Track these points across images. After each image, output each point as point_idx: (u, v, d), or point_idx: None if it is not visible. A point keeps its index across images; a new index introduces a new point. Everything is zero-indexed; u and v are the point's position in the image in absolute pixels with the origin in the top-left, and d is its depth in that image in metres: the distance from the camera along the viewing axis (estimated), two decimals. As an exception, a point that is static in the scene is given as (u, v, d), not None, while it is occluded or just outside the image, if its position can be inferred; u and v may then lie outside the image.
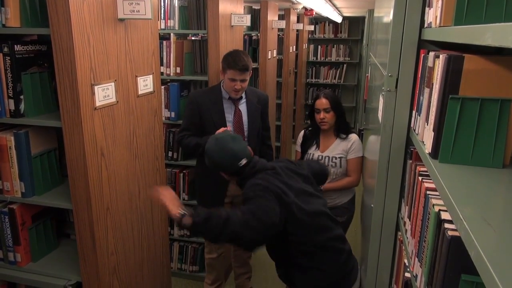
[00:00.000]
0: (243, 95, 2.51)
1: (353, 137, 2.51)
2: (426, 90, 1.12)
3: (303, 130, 2.68)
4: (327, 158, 2.47)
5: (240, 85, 2.37)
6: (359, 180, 2.50)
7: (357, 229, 3.34)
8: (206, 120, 2.44)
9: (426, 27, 1.22)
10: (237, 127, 2.49)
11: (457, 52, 0.99)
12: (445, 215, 0.86)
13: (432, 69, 1.07)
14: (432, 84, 1.05)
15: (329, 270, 1.76)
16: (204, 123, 2.45)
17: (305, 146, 2.57)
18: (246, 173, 1.77)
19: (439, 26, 1.01)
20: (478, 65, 0.93)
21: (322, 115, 2.45)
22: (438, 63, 1.01)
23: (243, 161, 1.75)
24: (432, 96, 1.04)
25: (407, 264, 1.23)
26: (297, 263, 1.77)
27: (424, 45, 1.30)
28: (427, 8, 1.22)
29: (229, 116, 2.47)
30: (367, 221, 1.82)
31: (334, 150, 2.47)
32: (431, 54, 1.09)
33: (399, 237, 1.46)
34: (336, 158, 2.45)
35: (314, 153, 2.51)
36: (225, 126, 2.44)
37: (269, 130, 2.78)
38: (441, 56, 0.99)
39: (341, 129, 2.50)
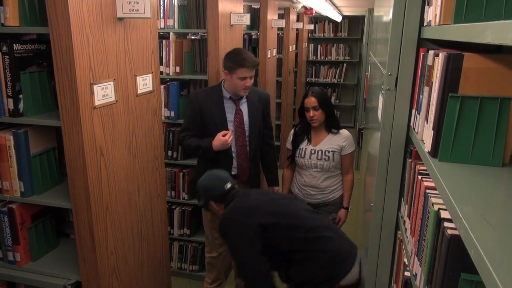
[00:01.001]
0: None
1: (345, 132, 2.58)
2: (426, 89, 1.11)
3: (293, 128, 2.70)
4: (320, 151, 2.51)
5: (250, 82, 2.38)
6: None
7: (356, 228, 3.34)
8: (207, 120, 2.43)
9: (426, 25, 1.22)
10: (238, 127, 2.48)
11: (456, 50, 0.98)
12: (444, 214, 0.85)
13: (431, 67, 1.07)
14: (432, 82, 1.05)
15: (323, 258, 1.86)
16: (205, 123, 2.44)
17: (296, 142, 2.60)
18: (227, 201, 2.01)
19: (439, 25, 1.01)
20: (477, 64, 0.93)
21: (311, 113, 2.48)
22: (437, 62, 1.01)
23: (228, 185, 2.03)
24: (432, 95, 1.04)
25: (406, 263, 1.22)
26: (292, 259, 1.91)
27: (424, 43, 1.30)
28: (426, 7, 1.22)
29: (230, 116, 2.47)
30: (367, 220, 1.82)
31: (327, 144, 2.51)
32: (431, 52, 1.08)
33: (398, 236, 1.46)
34: (329, 152, 2.49)
35: (306, 147, 2.54)
36: (226, 126, 2.44)
37: (271, 129, 2.77)
38: (440, 54, 0.99)
39: (332, 125, 2.55)
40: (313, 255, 1.87)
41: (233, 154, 2.49)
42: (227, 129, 2.44)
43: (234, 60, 2.35)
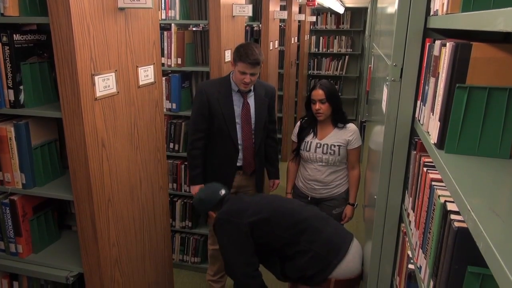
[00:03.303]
0: (252, 87, 2.49)
1: (352, 126, 2.53)
2: (432, 80, 1.09)
3: (299, 121, 2.67)
4: (325, 145, 2.48)
5: (250, 79, 2.35)
6: None
7: (358, 221, 3.34)
8: (215, 112, 2.40)
9: (432, 15, 1.20)
10: (245, 120, 2.47)
11: (462, 40, 0.96)
12: (451, 206, 0.84)
13: (438, 58, 1.05)
14: (438, 73, 1.03)
15: (312, 249, 1.88)
16: (212, 115, 2.41)
17: (302, 135, 2.58)
18: (223, 206, 2.09)
19: (446, 14, 0.99)
20: (486, 53, 0.91)
21: (317, 106, 2.45)
22: (444, 52, 0.99)
23: (222, 191, 2.14)
24: (438, 86, 1.02)
25: (410, 255, 1.22)
26: (284, 256, 1.94)
27: (429, 33, 1.27)
28: (433, -4, 1.20)
29: (237, 109, 2.45)
30: (370, 212, 1.81)
31: (333, 138, 2.49)
32: (437, 42, 1.06)
33: (402, 228, 1.45)
34: (334, 146, 2.47)
35: (312, 141, 2.51)
36: (234, 118, 2.43)
37: (275, 123, 2.76)
38: (448, 44, 0.97)
39: (338, 119, 2.51)
40: (303, 247, 1.88)
41: (239, 147, 2.48)
42: (234, 121, 2.43)
43: (237, 52, 2.34)
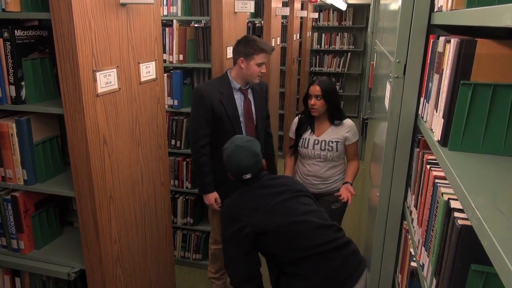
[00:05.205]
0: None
1: (348, 122, 2.54)
2: (436, 76, 1.09)
3: (297, 117, 2.67)
4: (323, 142, 2.49)
5: (264, 69, 2.36)
6: None
7: (360, 218, 3.34)
8: (220, 114, 2.34)
9: (437, 11, 1.19)
10: (247, 117, 2.45)
11: (466, 37, 0.95)
12: (454, 204, 0.84)
13: (442, 54, 1.04)
14: (442, 70, 1.02)
15: (314, 278, 1.73)
16: (216, 117, 2.34)
17: (300, 131, 2.58)
18: (240, 186, 1.91)
19: (451, 10, 0.98)
20: (491, 50, 0.90)
21: (312, 101, 2.46)
22: (449, 48, 0.98)
23: (247, 176, 1.85)
24: (442, 82, 1.01)
25: (413, 253, 1.21)
26: (283, 270, 1.82)
27: (433, 30, 1.26)
28: (437, -8, 1.19)
29: (240, 108, 2.43)
30: (372, 210, 1.80)
31: (330, 135, 2.50)
32: (441, 39, 1.05)
33: (404, 226, 1.44)
34: (332, 142, 2.48)
35: (309, 137, 2.52)
36: (238, 118, 2.40)
37: (269, 117, 2.75)
38: (452, 40, 0.96)
39: (335, 116, 2.51)
40: (305, 273, 1.74)
41: None
42: (239, 121, 2.40)
43: (253, 45, 2.30)
